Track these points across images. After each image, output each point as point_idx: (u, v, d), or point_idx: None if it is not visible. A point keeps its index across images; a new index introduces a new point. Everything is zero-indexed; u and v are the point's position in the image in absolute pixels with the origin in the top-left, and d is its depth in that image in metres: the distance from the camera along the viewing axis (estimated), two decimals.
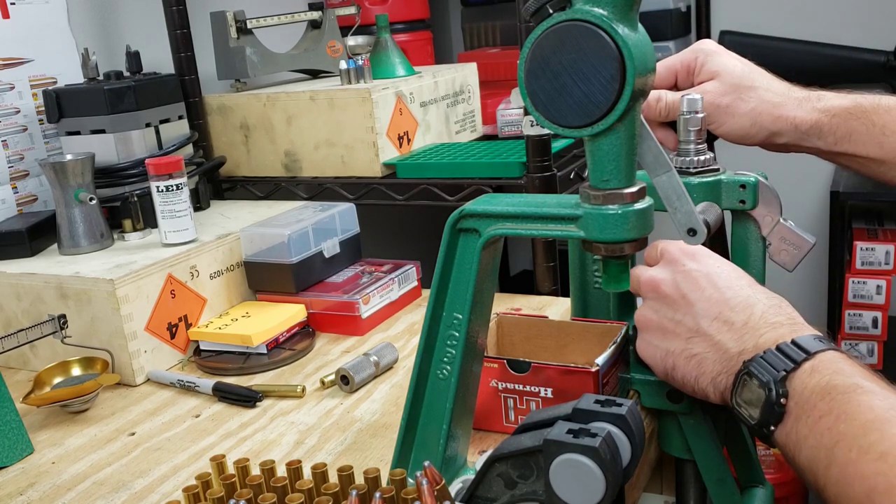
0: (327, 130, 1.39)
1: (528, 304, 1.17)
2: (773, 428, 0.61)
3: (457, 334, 0.67)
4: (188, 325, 1.09)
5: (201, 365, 1.05)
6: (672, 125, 0.90)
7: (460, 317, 0.66)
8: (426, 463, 0.60)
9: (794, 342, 0.63)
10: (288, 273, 1.12)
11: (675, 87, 0.92)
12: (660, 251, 0.75)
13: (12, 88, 1.28)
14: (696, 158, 0.83)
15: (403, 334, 1.11)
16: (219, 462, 0.69)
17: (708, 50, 0.90)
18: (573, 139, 1.31)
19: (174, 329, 1.07)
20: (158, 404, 0.97)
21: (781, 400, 0.60)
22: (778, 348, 0.63)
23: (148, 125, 1.27)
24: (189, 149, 1.36)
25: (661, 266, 0.74)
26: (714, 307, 0.69)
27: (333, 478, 0.64)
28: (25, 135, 1.30)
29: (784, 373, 0.61)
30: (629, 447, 0.56)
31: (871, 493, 0.52)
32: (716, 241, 0.82)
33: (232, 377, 1.01)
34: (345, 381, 0.95)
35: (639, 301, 0.77)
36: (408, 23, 1.89)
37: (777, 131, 0.88)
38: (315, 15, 1.59)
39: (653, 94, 0.89)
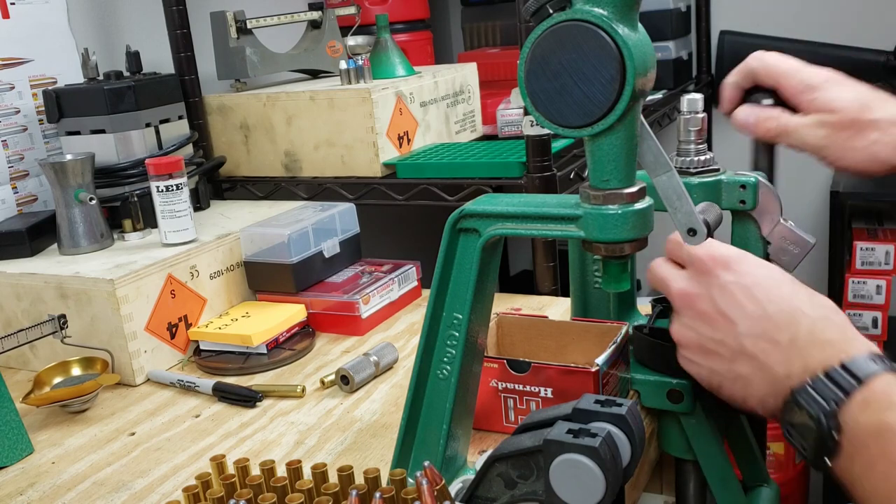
0: (327, 130, 1.39)
1: (528, 304, 1.17)
2: (828, 462, 0.57)
3: (457, 334, 0.67)
4: (188, 325, 1.09)
5: (201, 365, 1.05)
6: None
7: (460, 317, 0.66)
8: (426, 463, 0.60)
9: (843, 366, 0.58)
10: (288, 273, 1.12)
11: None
12: (688, 256, 0.70)
13: (12, 88, 1.28)
14: (696, 158, 0.83)
15: (403, 334, 1.11)
16: (219, 462, 0.69)
17: (816, 84, 0.82)
18: (573, 139, 1.31)
19: (174, 329, 1.07)
20: (158, 404, 0.97)
21: (833, 434, 0.56)
22: (827, 374, 0.58)
23: (148, 125, 1.27)
24: (189, 149, 1.36)
25: (693, 277, 0.69)
26: (756, 325, 0.64)
27: (333, 478, 0.64)
28: (25, 135, 1.30)
29: (834, 405, 0.56)
30: (629, 447, 0.56)
31: None
32: None
33: (232, 377, 1.01)
34: (345, 381, 0.95)
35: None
36: (408, 23, 1.89)
37: None
38: (315, 15, 1.59)
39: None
